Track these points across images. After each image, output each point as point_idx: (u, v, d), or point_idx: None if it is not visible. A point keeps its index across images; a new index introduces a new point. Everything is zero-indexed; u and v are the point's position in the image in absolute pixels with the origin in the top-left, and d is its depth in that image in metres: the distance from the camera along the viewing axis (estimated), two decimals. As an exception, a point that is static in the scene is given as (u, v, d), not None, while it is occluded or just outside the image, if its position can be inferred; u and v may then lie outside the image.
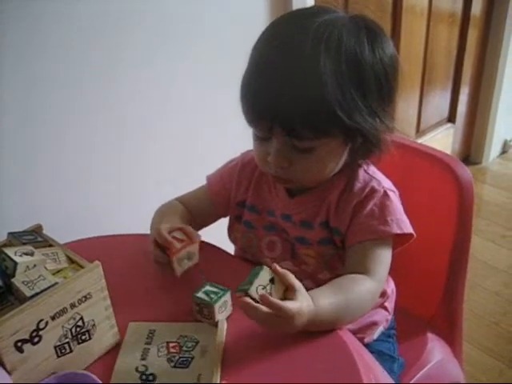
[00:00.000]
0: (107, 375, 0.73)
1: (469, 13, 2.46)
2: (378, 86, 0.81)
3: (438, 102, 2.58)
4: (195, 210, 1.03)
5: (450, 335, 1.19)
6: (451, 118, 2.71)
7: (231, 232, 1.06)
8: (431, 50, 2.36)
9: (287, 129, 0.79)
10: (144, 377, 0.73)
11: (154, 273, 0.92)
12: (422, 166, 1.13)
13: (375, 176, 0.92)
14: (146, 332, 0.80)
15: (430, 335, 1.15)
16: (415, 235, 0.89)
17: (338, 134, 0.81)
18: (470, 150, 2.93)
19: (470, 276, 1.95)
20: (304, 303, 0.73)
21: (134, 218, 1.45)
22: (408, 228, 0.88)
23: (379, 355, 1.01)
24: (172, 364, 0.75)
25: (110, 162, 1.44)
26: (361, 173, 0.92)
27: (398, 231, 0.87)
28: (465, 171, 1.08)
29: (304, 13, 0.86)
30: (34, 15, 1.17)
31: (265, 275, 0.72)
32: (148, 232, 0.96)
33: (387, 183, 0.92)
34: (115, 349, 0.78)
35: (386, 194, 0.89)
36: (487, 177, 2.80)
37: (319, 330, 0.77)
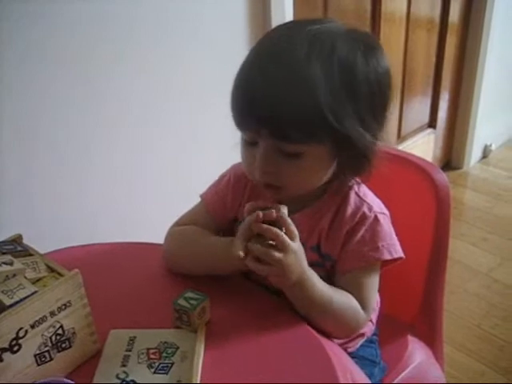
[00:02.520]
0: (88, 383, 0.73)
1: (447, 20, 2.50)
2: (369, 96, 0.80)
3: (419, 108, 2.61)
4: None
5: (431, 338, 1.20)
6: (432, 124, 2.75)
7: None
8: (410, 57, 2.40)
9: (274, 130, 0.77)
10: (124, 383, 0.73)
11: (133, 281, 0.93)
12: (398, 172, 1.14)
13: (366, 199, 0.91)
14: (127, 339, 0.80)
15: (410, 338, 1.16)
16: (404, 257, 0.90)
17: (326, 140, 0.80)
18: (451, 155, 2.96)
19: (451, 279, 1.99)
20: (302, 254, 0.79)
21: (114, 224, 1.47)
22: (398, 252, 0.89)
23: (360, 360, 1.02)
24: (152, 370, 0.75)
25: (102, 168, 1.46)
26: (352, 196, 0.90)
27: (388, 257, 0.88)
28: (441, 176, 1.10)
29: (302, 21, 0.85)
30: (34, 15, 1.19)
31: None
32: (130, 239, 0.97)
33: (378, 205, 0.91)
34: (95, 357, 0.78)
35: (376, 219, 0.89)
36: (468, 181, 2.84)
37: (299, 298, 0.83)
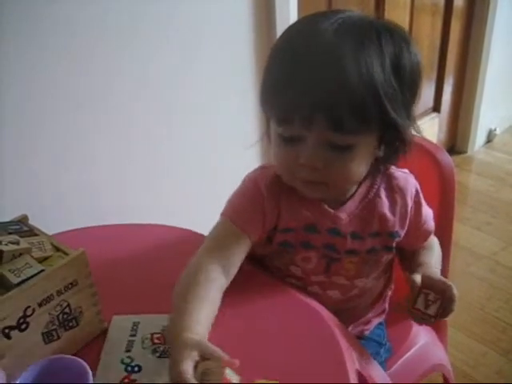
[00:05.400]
0: (94, 362, 0.74)
1: (451, 3, 2.48)
2: (411, 85, 0.79)
3: (423, 91, 2.60)
4: (230, 260, 0.84)
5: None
6: (436, 108, 2.74)
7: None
8: (415, 41, 2.37)
9: (333, 119, 0.73)
10: (129, 368, 0.74)
11: (135, 265, 0.93)
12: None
13: (405, 171, 0.94)
14: (130, 325, 0.81)
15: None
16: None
17: (376, 129, 0.78)
18: (456, 139, 2.96)
19: (455, 263, 2.01)
20: None
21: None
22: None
23: (367, 341, 1.04)
24: (157, 354, 0.76)
25: (112, 154, 1.47)
26: (394, 170, 0.92)
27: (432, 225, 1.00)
28: (446, 157, 1.10)
29: (327, 12, 0.82)
30: (35, 16, 1.19)
31: None
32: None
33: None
34: (101, 336, 0.79)
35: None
36: (473, 166, 2.84)
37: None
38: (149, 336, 0.79)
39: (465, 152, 2.93)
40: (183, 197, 1.64)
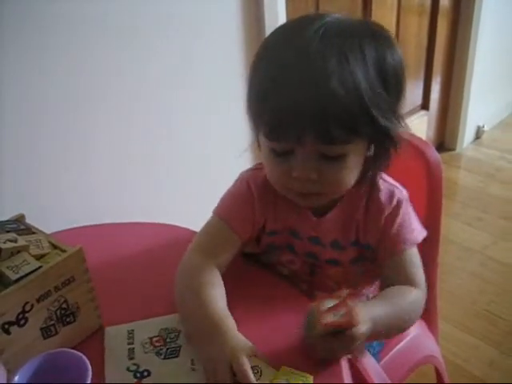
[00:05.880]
0: (93, 357, 0.73)
1: (438, 3, 2.51)
2: (396, 86, 0.79)
3: (412, 90, 2.63)
4: (222, 258, 0.87)
5: (426, 312, 1.23)
6: (425, 106, 2.77)
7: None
8: (402, 40, 2.41)
9: (321, 132, 0.73)
10: (138, 374, 0.73)
11: (134, 263, 0.95)
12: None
13: (394, 184, 0.91)
14: (125, 333, 0.80)
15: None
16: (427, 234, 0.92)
17: (365, 137, 0.78)
18: (445, 136, 2.99)
19: (446, 258, 2.04)
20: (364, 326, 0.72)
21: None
22: (423, 230, 0.91)
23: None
24: (162, 356, 0.76)
25: (110, 153, 1.49)
26: (380, 182, 0.89)
27: (421, 237, 0.90)
28: (433, 152, 1.11)
29: (305, 18, 0.81)
30: (34, 16, 1.20)
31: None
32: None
33: (402, 188, 0.92)
34: (99, 331, 0.81)
35: (408, 201, 0.90)
36: (462, 162, 2.87)
37: (382, 335, 0.84)
38: (148, 340, 0.78)
39: (454, 149, 2.96)
40: (183, 196, 1.67)
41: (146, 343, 0.78)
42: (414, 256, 0.89)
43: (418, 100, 2.73)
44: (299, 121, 0.73)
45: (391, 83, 0.77)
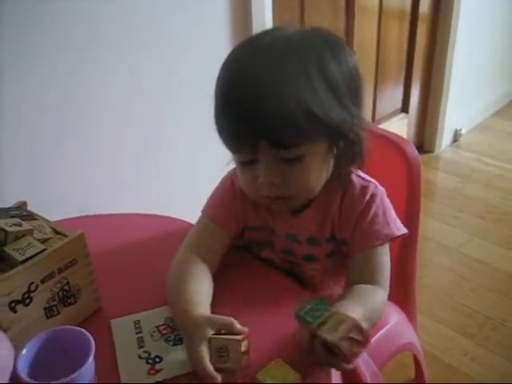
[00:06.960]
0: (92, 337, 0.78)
1: (417, 10, 2.59)
2: (344, 83, 0.82)
3: (392, 93, 2.71)
4: (211, 254, 0.93)
5: (405, 304, 1.28)
6: (405, 109, 2.84)
7: None
8: (383, 45, 2.49)
9: (273, 140, 0.78)
10: (150, 361, 0.76)
11: (134, 253, 0.99)
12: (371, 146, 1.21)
13: (369, 179, 0.93)
14: (132, 324, 0.83)
15: (387, 302, 1.24)
16: (407, 233, 0.93)
17: (320, 137, 0.81)
18: (424, 139, 3.06)
19: (425, 255, 2.11)
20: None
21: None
22: (402, 228, 0.92)
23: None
24: (171, 343, 0.79)
25: (109, 151, 1.52)
26: (354, 178, 0.92)
27: (397, 233, 0.91)
28: (412, 149, 1.16)
29: (262, 33, 0.86)
30: (34, 16, 1.23)
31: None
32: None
33: (378, 184, 0.94)
34: (97, 313, 0.85)
35: (383, 196, 0.92)
36: (440, 164, 2.95)
37: None
38: (155, 329, 0.81)
39: (432, 151, 3.04)
40: (183, 195, 1.71)
41: (154, 331, 0.81)
42: (384, 255, 0.91)
43: (398, 103, 2.80)
44: (250, 133, 0.78)
45: (339, 85, 0.80)
